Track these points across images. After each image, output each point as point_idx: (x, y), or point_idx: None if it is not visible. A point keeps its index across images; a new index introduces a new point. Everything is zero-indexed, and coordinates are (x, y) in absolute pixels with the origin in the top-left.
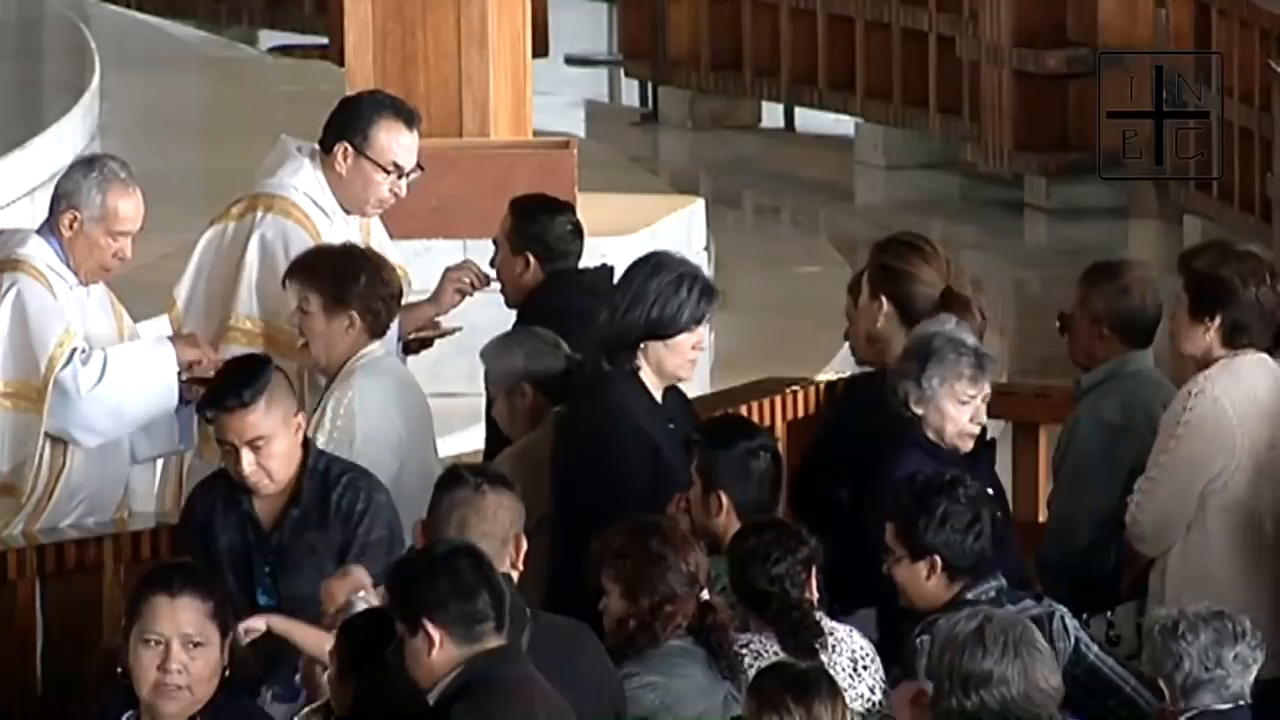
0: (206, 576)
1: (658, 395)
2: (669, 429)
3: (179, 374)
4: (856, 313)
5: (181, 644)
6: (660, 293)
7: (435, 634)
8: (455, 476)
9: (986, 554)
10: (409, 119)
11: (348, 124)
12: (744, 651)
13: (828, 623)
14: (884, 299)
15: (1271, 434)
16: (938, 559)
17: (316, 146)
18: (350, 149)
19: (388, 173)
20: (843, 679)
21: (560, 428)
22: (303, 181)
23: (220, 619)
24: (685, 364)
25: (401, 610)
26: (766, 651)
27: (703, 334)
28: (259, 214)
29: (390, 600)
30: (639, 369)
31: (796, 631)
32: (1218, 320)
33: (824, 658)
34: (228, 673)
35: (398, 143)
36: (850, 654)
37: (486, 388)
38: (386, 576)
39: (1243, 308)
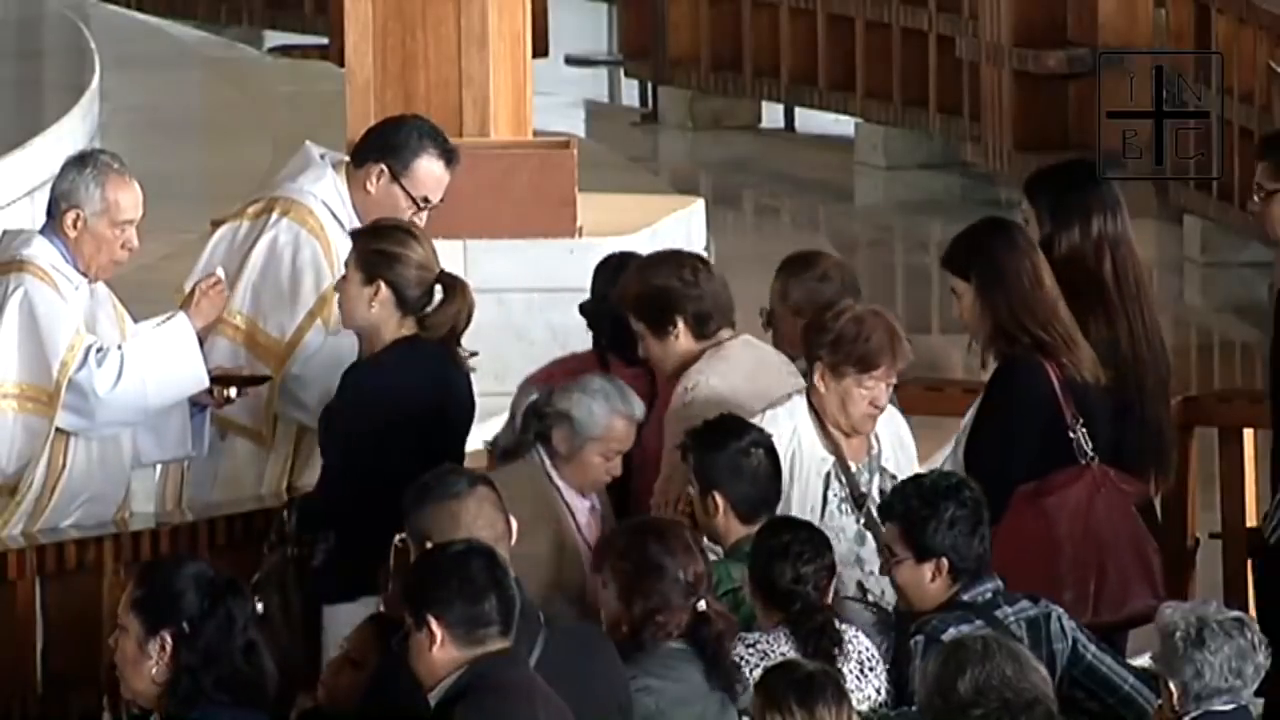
0: None
1: None
2: None
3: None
4: (348, 301)
5: None
6: None
7: (438, 631)
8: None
9: (986, 557)
10: (450, 157)
11: (390, 148)
12: (750, 653)
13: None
14: (381, 284)
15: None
16: (945, 561)
17: (343, 157)
18: (387, 172)
19: (416, 203)
20: (850, 681)
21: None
22: (323, 190)
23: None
24: None
25: (411, 603)
26: (773, 653)
27: None
28: (274, 215)
29: (403, 592)
30: None
31: (817, 636)
32: (680, 323)
33: (839, 664)
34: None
35: (434, 178)
36: (858, 656)
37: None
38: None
39: (693, 301)
